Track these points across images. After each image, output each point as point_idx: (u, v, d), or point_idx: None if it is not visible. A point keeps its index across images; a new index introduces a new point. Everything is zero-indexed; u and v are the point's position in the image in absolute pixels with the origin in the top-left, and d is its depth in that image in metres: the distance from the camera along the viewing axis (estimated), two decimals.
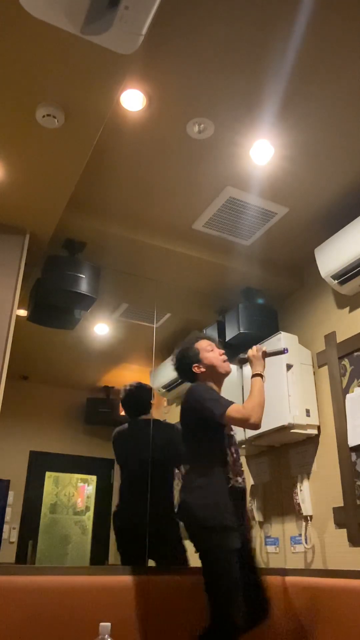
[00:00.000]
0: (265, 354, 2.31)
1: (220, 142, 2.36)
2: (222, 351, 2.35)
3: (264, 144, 2.37)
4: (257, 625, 2.03)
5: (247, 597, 1.94)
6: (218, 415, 2.08)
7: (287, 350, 2.36)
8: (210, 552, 1.98)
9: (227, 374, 2.33)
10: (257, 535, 3.09)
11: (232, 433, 2.24)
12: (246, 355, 2.34)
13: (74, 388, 4.19)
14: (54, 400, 4.07)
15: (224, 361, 2.32)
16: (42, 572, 2.15)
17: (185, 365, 2.33)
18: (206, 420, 2.12)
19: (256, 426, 2.07)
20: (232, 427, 2.23)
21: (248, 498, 3.17)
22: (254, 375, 2.24)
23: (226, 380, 2.36)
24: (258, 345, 2.39)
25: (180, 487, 2.21)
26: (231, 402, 2.11)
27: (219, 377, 2.31)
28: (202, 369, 2.29)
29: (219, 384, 2.32)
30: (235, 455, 2.18)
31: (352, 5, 1.80)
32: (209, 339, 2.39)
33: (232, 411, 2.06)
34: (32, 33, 1.67)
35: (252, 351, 2.32)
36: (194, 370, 2.30)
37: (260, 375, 2.23)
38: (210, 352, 2.32)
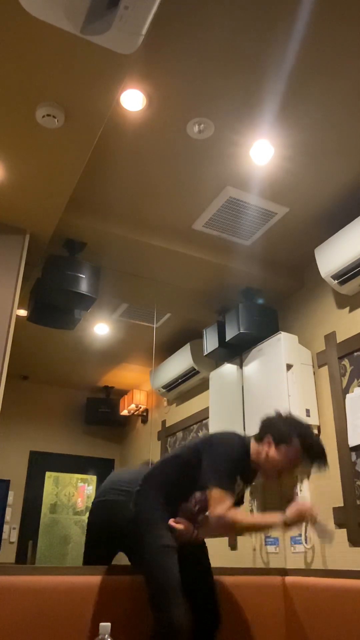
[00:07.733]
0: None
1: (220, 142, 2.36)
2: (295, 466, 2.11)
3: (264, 144, 2.37)
4: (210, 634, 2.00)
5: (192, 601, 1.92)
6: (207, 480, 1.97)
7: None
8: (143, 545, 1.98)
9: (267, 475, 2.14)
10: (257, 535, 3.09)
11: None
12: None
13: (74, 388, 4.20)
14: (54, 400, 4.08)
15: (279, 469, 2.08)
16: (42, 572, 2.15)
17: (273, 426, 2.10)
18: (198, 468, 2.02)
19: (217, 521, 1.90)
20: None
21: (247, 498, 3.17)
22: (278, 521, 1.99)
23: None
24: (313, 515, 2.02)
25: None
26: (230, 491, 1.94)
27: (264, 465, 2.08)
28: (269, 443, 2.06)
29: (255, 466, 2.12)
30: (198, 507, 2.06)
31: (351, 6, 1.81)
32: (303, 454, 2.08)
33: (216, 493, 1.92)
34: (32, 33, 1.67)
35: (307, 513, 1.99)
36: (265, 437, 2.07)
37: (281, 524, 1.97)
38: (290, 453, 2.04)
